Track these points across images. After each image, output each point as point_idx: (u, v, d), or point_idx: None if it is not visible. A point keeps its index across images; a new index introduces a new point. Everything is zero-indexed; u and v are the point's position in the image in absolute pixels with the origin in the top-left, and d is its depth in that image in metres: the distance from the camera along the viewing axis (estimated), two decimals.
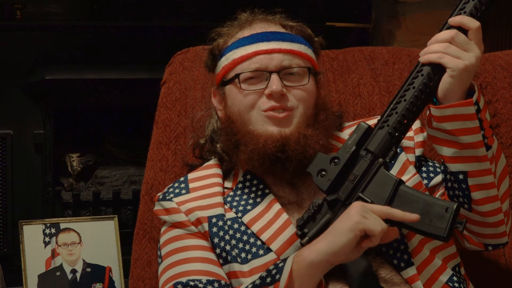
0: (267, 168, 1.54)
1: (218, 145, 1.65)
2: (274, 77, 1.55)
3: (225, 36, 1.64)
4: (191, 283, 1.50)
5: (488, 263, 1.83)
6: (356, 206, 1.37)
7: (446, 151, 1.47)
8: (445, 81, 1.42)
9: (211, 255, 1.54)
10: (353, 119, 1.85)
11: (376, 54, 1.96)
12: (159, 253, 1.60)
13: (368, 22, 3.33)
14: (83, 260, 2.69)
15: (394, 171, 1.55)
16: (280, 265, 1.39)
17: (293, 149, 1.52)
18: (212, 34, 1.67)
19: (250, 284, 1.43)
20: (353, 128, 1.63)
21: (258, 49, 1.57)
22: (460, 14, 1.44)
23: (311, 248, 1.38)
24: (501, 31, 3.16)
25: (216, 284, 1.50)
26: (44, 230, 2.67)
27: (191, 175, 1.65)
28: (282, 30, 1.62)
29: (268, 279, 1.39)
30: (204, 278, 1.51)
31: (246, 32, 1.61)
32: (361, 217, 1.34)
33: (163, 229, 1.62)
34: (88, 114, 3.23)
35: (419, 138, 1.62)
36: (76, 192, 3.08)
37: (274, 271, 1.39)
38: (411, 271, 1.49)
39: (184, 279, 1.51)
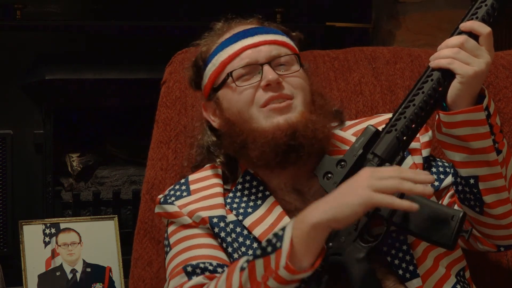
0: (282, 160, 1.51)
1: (218, 160, 1.62)
2: (267, 68, 1.53)
3: (204, 46, 1.62)
4: (201, 265, 1.49)
5: (490, 265, 1.82)
6: (366, 175, 1.32)
7: (457, 156, 1.46)
8: (454, 87, 1.41)
9: (218, 243, 1.53)
10: (355, 116, 1.84)
11: (377, 54, 1.96)
12: (166, 242, 1.58)
13: (368, 22, 3.33)
14: (83, 260, 2.69)
15: None
16: (280, 233, 1.36)
17: (303, 134, 1.49)
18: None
19: (251, 256, 1.40)
20: (357, 127, 1.63)
21: (244, 45, 1.56)
22: (472, 19, 1.43)
23: (314, 210, 1.34)
24: (501, 31, 3.17)
25: (225, 268, 1.49)
26: (44, 230, 2.67)
27: (191, 177, 1.63)
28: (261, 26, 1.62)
29: (269, 248, 1.36)
30: (214, 262, 1.50)
31: (226, 36, 1.60)
32: (373, 192, 1.30)
33: (169, 221, 1.60)
34: (88, 114, 3.23)
35: (425, 138, 1.60)
36: (76, 192, 3.08)
37: (274, 240, 1.36)
38: (416, 283, 1.47)
39: (194, 262, 1.50)
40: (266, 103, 1.52)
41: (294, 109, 1.52)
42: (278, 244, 1.34)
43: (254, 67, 1.54)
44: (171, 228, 1.58)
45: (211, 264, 1.49)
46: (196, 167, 1.67)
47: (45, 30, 2.98)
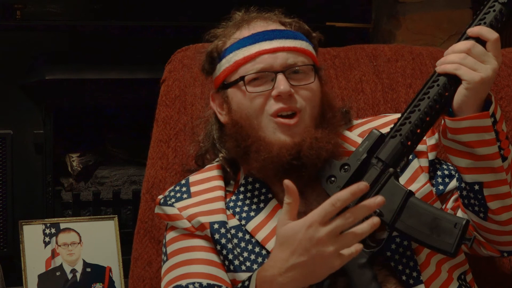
0: (282, 177, 1.47)
1: (220, 154, 1.60)
2: (281, 77, 1.49)
3: (222, 37, 1.58)
4: (190, 286, 1.48)
5: (494, 270, 1.82)
6: (324, 238, 1.28)
7: (462, 162, 1.45)
8: (461, 93, 1.40)
9: (215, 258, 1.51)
10: (357, 114, 1.84)
11: (378, 52, 1.96)
12: (164, 250, 1.57)
13: (368, 22, 3.33)
14: (83, 260, 2.69)
15: (404, 177, 1.52)
16: (246, 283, 1.36)
17: (307, 155, 1.47)
18: (207, 36, 1.61)
19: (191, 285, 1.41)
20: (363, 127, 1.62)
21: (261, 49, 1.52)
22: (479, 24, 1.42)
23: (284, 282, 1.31)
24: (501, 31, 3.16)
25: None
26: (44, 230, 2.67)
27: (192, 178, 1.61)
28: (282, 27, 1.57)
29: None
30: (204, 281, 1.48)
31: (245, 32, 1.55)
32: (341, 258, 1.28)
33: (168, 227, 1.59)
34: (88, 114, 3.23)
35: (432, 141, 1.58)
36: (76, 192, 3.08)
37: None
38: None
39: (184, 282, 1.49)
40: (275, 113, 1.50)
41: (301, 127, 1.49)
42: None
43: (267, 74, 1.51)
44: (169, 236, 1.57)
45: (200, 285, 1.48)
46: (201, 157, 1.66)
47: (45, 30, 2.98)
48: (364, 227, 1.28)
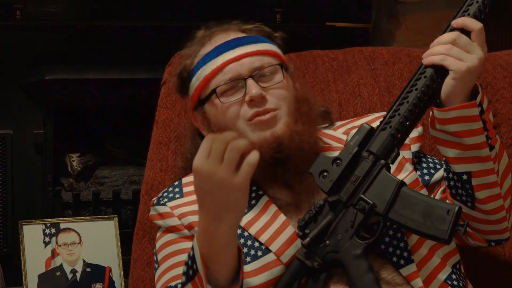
0: (269, 174, 1.52)
1: None
2: (250, 82, 1.53)
3: (188, 57, 1.63)
4: (180, 286, 1.48)
5: (488, 260, 1.83)
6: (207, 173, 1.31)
7: (450, 153, 1.47)
8: (448, 83, 1.42)
9: None
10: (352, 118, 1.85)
11: (376, 54, 1.97)
12: (155, 258, 1.59)
13: (368, 22, 3.33)
14: (83, 260, 2.69)
15: (391, 170, 1.54)
16: (191, 253, 1.38)
17: (289, 146, 1.50)
18: (175, 59, 1.66)
19: (180, 283, 1.42)
20: (346, 126, 1.65)
21: (225, 59, 1.56)
22: (463, 16, 1.44)
23: (216, 229, 1.33)
24: (501, 31, 3.17)
25: None
26: (44, 230, 2.68)
27: (185, 179, 1.64)
28: (243, 34, 1.61)
29: (190, 272, 1.38)
30: None
31: (208, 47, 1.60)
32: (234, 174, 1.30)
33: (158, 234, 1.61)
34: (88, 114, 3.23)
35: (414, 134, 1.61)
36: (76, 192, 3.09)
37: (190, 262, 1.38)
38: (411, 268, 1.48)
39: (173, 283, 1.51)
40: (252, 118, 1.53)
41: (279, 120, 1.53)
42: (194, 266, 1.36)
43: (237, 82, 1.55)
44: (158, 244, 1.59)
45: None
46: (190, 168, 1.68)
47: (45, 30, 2.98)
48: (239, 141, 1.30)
